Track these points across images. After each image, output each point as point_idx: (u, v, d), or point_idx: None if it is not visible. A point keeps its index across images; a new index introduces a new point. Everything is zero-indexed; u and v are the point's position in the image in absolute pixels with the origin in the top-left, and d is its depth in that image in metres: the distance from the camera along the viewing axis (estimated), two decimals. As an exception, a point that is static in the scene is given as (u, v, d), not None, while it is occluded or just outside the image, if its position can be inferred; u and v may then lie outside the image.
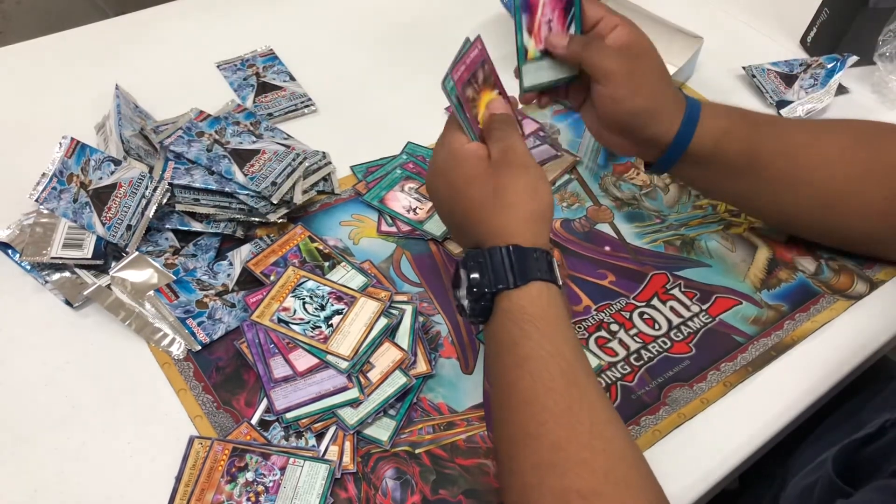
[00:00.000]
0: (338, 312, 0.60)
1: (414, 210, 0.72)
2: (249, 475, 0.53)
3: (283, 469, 0.53)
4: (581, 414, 0.47)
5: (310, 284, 0.62)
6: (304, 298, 0.61)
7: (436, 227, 0.70)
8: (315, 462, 0.54)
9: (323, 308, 0.61)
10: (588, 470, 0.45)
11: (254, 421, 0.56)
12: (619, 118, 0.62)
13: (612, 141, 0.65)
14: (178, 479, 0.53)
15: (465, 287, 0.52)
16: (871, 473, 0.52)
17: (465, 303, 0.52)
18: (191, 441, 0.55)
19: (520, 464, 0.47)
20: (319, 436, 0.56)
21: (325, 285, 0.62)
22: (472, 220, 0.55)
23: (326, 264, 0.66)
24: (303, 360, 0.58)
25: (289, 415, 0.56)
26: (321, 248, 0.67)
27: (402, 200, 0.73)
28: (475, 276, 0.52)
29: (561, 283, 0.53)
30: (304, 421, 0.56)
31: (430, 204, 0.72)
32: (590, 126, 0.66)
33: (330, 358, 0.58)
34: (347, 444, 0.56)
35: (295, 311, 0.60)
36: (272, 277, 0.63)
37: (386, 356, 0.59)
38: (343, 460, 0.55)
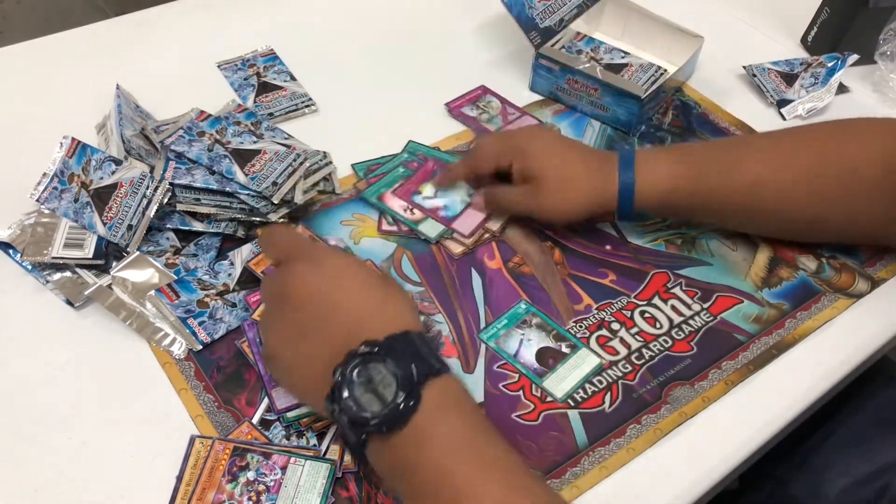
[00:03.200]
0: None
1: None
2: (250, 474, 0.53)
3: (284, 468, 0.53)
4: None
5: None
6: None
7: (431, 228, 0.70)
8: (316, 461, 0.54)
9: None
10: None
11: (255, 420, 0.56)
12: (564, 223, 0.69)
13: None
14: (180, 478, 0.53)
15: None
16: None
17: (375, 408, 0.43)
18: (192, 440, 0.55)
19: None
20: (321, 435, 0.56)
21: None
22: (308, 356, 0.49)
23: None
24: None
25: (290, 414, 0.56)
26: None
27: (400, 200, 0.73)
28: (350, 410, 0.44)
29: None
30: (305, 420, 0.56)
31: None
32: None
33: None
34: (349, 443, 0.56)
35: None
36: None
37: None
38: (345, 459, 0.55)
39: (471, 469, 0.42)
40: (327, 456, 0.55)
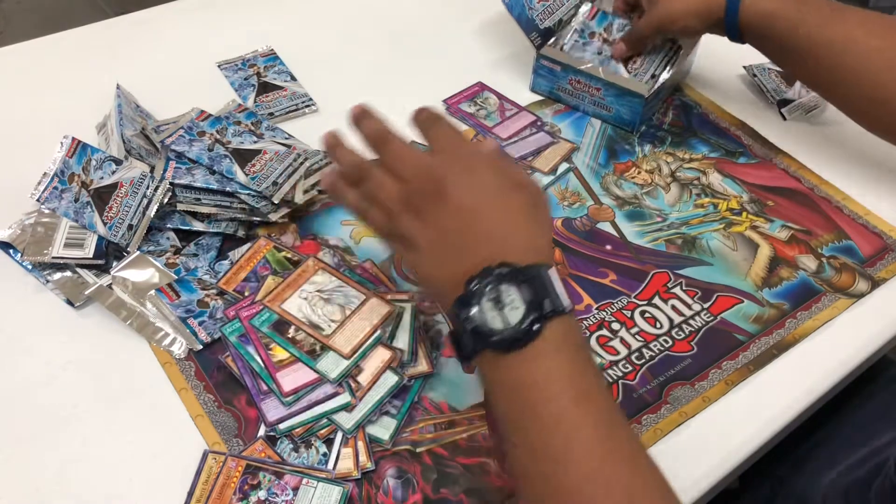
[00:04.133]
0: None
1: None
2: (262, 494, 0.52)
3: (296, 489, 0.52)
4: (619, 475, 0.43)
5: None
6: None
7: None
8: (329, 484, 0.53)
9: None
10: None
11: (260, 433, 0.56)
12: (693, 32, 0.78)
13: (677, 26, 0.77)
14: (190, 494, 0.52)
15: (507, 308, 0.45)
16: None
17: (497, 326, 0.44)
18: (205, 455, 0.54)
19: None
20: (328, 441, 0.55)
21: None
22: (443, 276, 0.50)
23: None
24: (289, 380, 0.57)
25: (281, 426, 0.55)
26: (289, 256, 0.66)
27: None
28: (528, 294, 0.44)
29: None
30: (297, 430, 0.55)
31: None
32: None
33: (321, 365, 0.57)
34: (361, 445, 0.55)
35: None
36: (246, 293, 0.63)
37: (375, 357, 0.59)
38: (360, 460, 0.55)
39: (573, 400, 0.43)
40: (341, 460, 0.54)
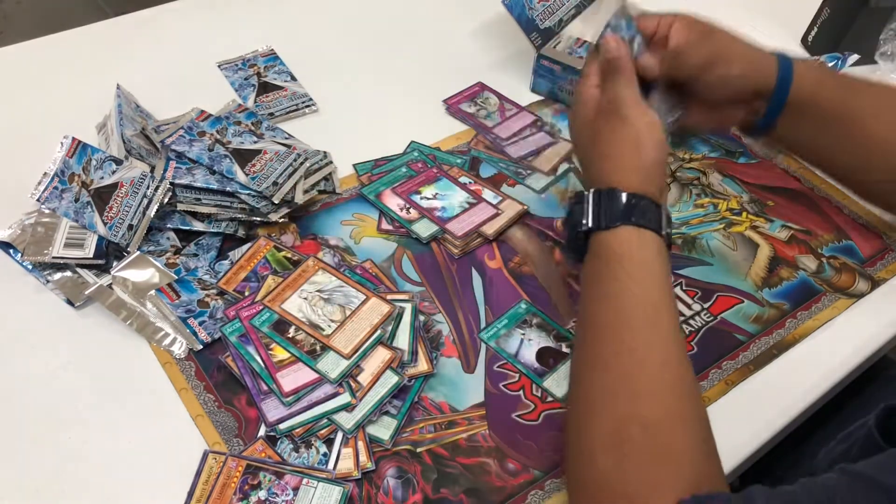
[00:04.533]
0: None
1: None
2: (262, 494, 0.52)
3: (296, 489, 0.53)
4: (654, 351, 0.50)
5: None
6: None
7: (424, 228, 0.70)
8: (329, 484, 0.53)
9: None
10: (652, 402, 0.48)
11: (260, 433, 0.56)
12: (727, 93, 0.65)
13: (724, 117, 0.68)
14: (190, 494, 0.52)
15: (566, 225, 0.57)
16: None
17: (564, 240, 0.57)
18: (205, 456, 0.54)
19: (587, 388, 0.50)
20: (328, 441, 0.55)
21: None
22: (584, 161, 0.61)
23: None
24: (289, 380, 0.57)
25: (282, 426, 0.55)
26: (289, 256, 0.66)
27: (398, 198, 0.73)
28: (573, 214, 0.56)
29: (665, 231, 0.55)
30: (298, 430, 0.55)
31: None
32: (696, 122, 0.68)
33: (321, 365, 0.58)
34: (361, 445, 0.55)
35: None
36: (246, 293, 0.63)
37: (375, 357, 0.59)
38: (360, 460, 0.55)
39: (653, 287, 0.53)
40: (341, 460, 0.54)
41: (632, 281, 0.52)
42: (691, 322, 0.66)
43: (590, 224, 0.54)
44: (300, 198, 0.69)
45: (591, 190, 0.56)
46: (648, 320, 0.51)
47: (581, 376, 0.52)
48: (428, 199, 0.73)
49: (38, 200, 0.65)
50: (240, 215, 0.67)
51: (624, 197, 0.54)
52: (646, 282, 0.52)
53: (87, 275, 0.64)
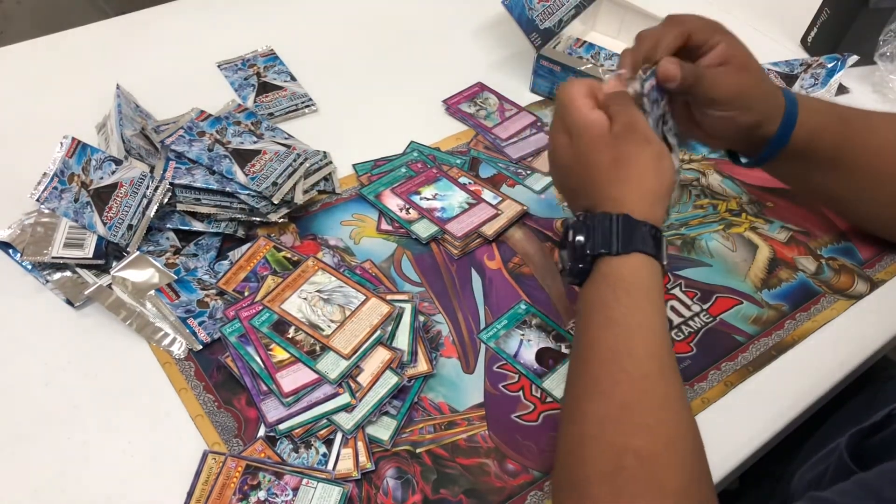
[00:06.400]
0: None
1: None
2: (262, 494, 0.52)
3: (295, 490, 0.53)
4: (656, 384, 0.49)
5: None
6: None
7: (423, 228, 0.70)
8: (329, 484, 0.53)
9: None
10: (650, 435, 0.47)
11: (260, 433, 0.56)
12: (729, 134, 0.63)
13: (712, 141, 0.66)
14: (190, 494, 0.52)
15: (569, 248, 0.55)
16: (878, 462, 0.53)
17: (567, 264, 0.55)
18: (204, 456, 0.54)
19: (584, 415, 0.50)
20: (327, 442, 0.55)
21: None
22: (587, 184, 0.56)
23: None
24: (288, 380, 0.57)
25: (281, 426, 0.55)
26: (289, 256, 0.66)
27: (398, 199, 0.73)
28: (580, 238, 0.54)
29: (665, 262, 0.54)
30: (297, 431, 0.55)
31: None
32: (686, 131, 0.65)
33: (321, 365, 0.58)
34: (360, 445, 0.55)
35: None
36: (246, 293, 0.63)
37: (375, 357, 0.59)
38: (360, 460, 0.55)
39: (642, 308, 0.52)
40: (341, 460, 0.54)
41: (637, 309, 0.51)
42: (690, 323, 0.66)
43: (600, 248, 0.53)
44: (300, 198, 0.69)
45: (607, 214, 0.53)
46: (650, 351, 0.50)
47: (579, 400, 0.51)
48: (427, 199, 0.73)
49: (37, 200, 0.65)
50: (239, 215, 0.67)
51: (642, 224, 0.53)
52: (649, 311, 0.51)
53: (87, 275, 0.64)
